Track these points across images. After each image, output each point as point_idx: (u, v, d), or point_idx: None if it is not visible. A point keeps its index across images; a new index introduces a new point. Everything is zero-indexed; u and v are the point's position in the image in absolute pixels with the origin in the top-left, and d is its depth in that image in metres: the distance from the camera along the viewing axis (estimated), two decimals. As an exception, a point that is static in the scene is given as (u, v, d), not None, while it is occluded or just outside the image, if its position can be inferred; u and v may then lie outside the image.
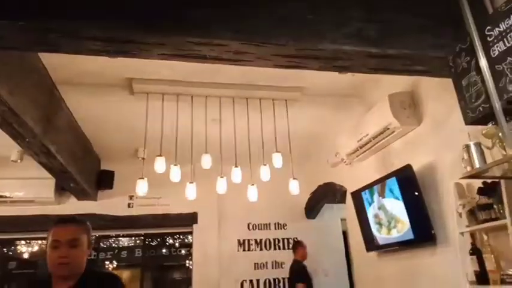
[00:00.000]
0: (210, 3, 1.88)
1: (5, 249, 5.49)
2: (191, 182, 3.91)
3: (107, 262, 5.88)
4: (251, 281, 5.30)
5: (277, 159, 3.82)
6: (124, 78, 3.37)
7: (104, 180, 5.12)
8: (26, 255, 5.61)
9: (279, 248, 5.56)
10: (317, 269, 5.33)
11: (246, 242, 5.48)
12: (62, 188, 4.79)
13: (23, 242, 5.53)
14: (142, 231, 5.65)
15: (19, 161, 4.28)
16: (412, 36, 1.97)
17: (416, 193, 3.13)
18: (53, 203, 4.84)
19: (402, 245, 3.44)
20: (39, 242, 5.55)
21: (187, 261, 6.04)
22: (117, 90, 3.52)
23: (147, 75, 3.34)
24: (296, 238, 5.59)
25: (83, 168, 4.44)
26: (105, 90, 3.53)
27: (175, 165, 3.76)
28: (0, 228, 4.78)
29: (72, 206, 4.93)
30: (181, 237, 6.23)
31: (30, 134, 2.92)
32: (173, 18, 1.83)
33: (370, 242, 3.89)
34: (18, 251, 5.61)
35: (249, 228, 5.54)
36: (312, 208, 5.60)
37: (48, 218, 4.74)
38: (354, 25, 1.93)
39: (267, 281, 5.36)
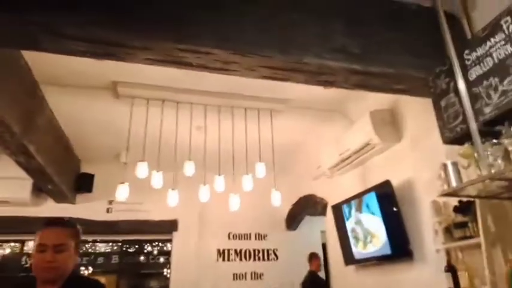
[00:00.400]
0: (199, 11, 1.89)
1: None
2: (173, 189, 3.88)
3: (82, 268, 5.73)
4: (230, 291, 5.24)
5: (260, 169, 3.83)
6: (110, 81, 3.34)
7: (84, 183, 5.01)
8: (-3, 258, 5.42)
9: (259, 259, 5.53)
10: (294, 280, 5.32)
11: (226, 252, 5.43)
12: (39, 190, 4.66)
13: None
14: (120, 237, 5.54)
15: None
16: (394, 55, 2.03)
17: (394, 209, 3.18)
18: (29, 205, 4.70)
19: (379, 260, 3.47)
20: (12, 244, 5.37)
21: (165, 270, 5.93)
22: (101, 93, 3.49)
23: (132, 79, 3.32)
24: (276, 249, 5.58)
25: (62, 170, 4.35)
26: (89, 91, 3.49)
27: (158, 171, 3.72)
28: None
29: (49, 208, 4.80)
30: (160, 244, 6.13)
31: (9, 132, 2.85)
32: (161, 23, 1.83)
33: (349, 256, 3.91)
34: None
35: (229, 237, 5.49)
36: (293, 220, 5.61)
37: (22, 219, 4.61)
38: (338, 41, 1.98)
39: (247, 292, 5.31)
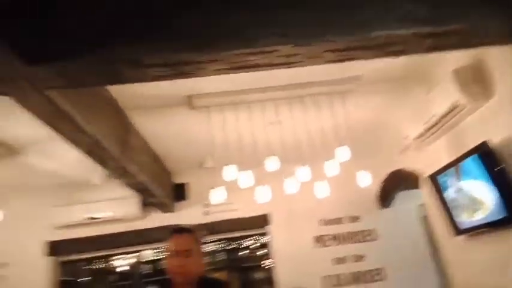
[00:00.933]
0: (253, 12, 1.89)
1: (104, 264, 6.07)
2: (262, 185, 4.01)
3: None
4: (333, 276, 5.27)
5: (343, 153, 3.76)
6: (184, 96, 3.56)
7: (179, 192, 5.48)
8: (121, 269, 6.14)
9: (356, 241, 5.46)
10: (397, 259, 5.17)
11: (322, 238, 5.47)
12: (144, 204, 5.20)
13: (117, 256, 6.05)
14: (220, 237, 5.90)
15: (103, 183, 4.79)
16: (469, 8, 1.85)
17: (499, 169, 2.91)
18: (139, 218, 5.30)
19: (490, 227, 3.20)
20: (130, 255, 6.03)
21: (266, 261, 6.20)
22: (178, 108, 3.73)
23: (204, 90, 3.50)
24: (372, 229, 5.46)
25: (161, 184, 4.79)
26: (167, 109, 3.76)
27: (245, 170, 3.85)
28: (99, 246, 5.35)
29: (155, 219, 5.33)
30: (256, 238, 6.42)
31: (113, 159, 3.22)
32: (221, 34, 1.87)
33: (454, 227, 3.68)
34: (115, 265, 6.16)
35: (321, 224, 5.52)
36: (385, 197, 5.43)
37: (136, 233, 5.23)
38: (403, 8, 1.87)
39: (350, 275, 5.29)
